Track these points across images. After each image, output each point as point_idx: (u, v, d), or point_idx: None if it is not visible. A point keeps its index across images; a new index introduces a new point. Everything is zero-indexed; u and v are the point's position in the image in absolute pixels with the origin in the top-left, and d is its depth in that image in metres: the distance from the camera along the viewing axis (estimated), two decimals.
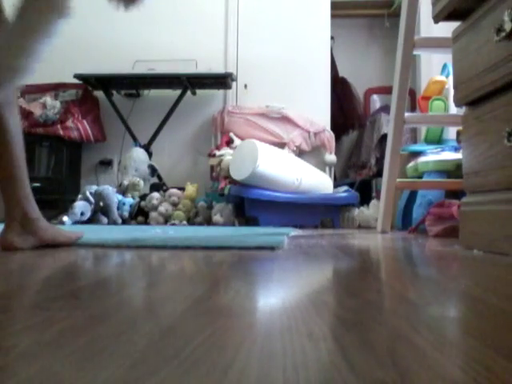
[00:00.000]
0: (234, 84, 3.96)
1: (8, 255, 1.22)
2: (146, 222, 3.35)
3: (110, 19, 4.11)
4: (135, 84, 3.97)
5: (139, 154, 3.67)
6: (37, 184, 3.69)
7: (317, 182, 3.35)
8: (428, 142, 3.08)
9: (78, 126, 3.81)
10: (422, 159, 2.81)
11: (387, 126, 3.25)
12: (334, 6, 4.13)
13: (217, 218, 3.21)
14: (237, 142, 3.61)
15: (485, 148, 1.34)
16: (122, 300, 0.61)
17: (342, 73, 4.67)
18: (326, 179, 3.50)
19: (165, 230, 2.34)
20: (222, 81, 3.83)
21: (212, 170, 3.56)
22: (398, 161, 2.42)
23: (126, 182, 3.51)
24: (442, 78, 3.05)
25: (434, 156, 2.78)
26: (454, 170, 2.59)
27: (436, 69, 3.54)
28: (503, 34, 1.19)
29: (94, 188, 3.33)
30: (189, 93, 3.88)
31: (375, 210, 3.13)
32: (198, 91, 3.96)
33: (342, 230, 2.91)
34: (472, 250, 1.36)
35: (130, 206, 3.38)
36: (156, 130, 3.85)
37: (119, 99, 4.04)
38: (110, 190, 3.29)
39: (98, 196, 3.24)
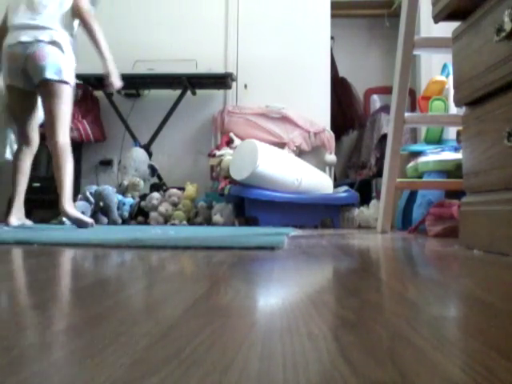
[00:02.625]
0: (234, 84, 3.96)
1: (7, 256, 1.22)
2: (145, 222, 3.35)
3: (110, 19, 4.11)
4: (135, 84, 3.97)
5: (139, 154, 3.67)
6: (37, 184, 3.69)
7: (317, 182, 3.35)
8: (428, 142, 3.08)
9: (78, 126, 3.81)
10: (422, 159, 2.81)
11: (387, 126, 3.25)
12: (334, 6, 4.13)
13: (217, 217, 3.21)
14: (237, 142, 3.61)
15: (485, 148, 1.34)
16: (122, 300, 0.61)
17: (341, 73, 4.67)
18: (326, 179, 3.50)
19: (165, 229, 2.34)
20: (222, 81, 3.83)
21: (212, 170, 3.56)
22: (398, 161, 2.42)
23: (125, 182, 3.51)
24: (442, 78, 3.05)
25: (434, 156, 2.78)
26: (453, 170, 2.59)
27: (436, 69, 3.54)
28: (503, 34, 1.19)
29: (93, 188, 3.33)
30: (189, 93, 3.88)
31: (375, 210, 3.13)
32: (198, 91, 3.96)
33: (342, 230, 2.91)
34: (472, 250, 1.36)
35: (130, 205, 3.38)
36: (156, 130, 3.85)
37: (119, 99, 4.04)
38: (110, 190, 3.29)
39: (98, 196, 3.24)
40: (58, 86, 2.58)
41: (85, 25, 2.61)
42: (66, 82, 2.60)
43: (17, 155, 2.75)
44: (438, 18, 1.56)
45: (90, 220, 2.59)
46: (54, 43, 2.56)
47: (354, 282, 0.81)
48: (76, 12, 2.60)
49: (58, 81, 2.56)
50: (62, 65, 2.57)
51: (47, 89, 2.58)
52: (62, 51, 2.59)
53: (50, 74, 2.52)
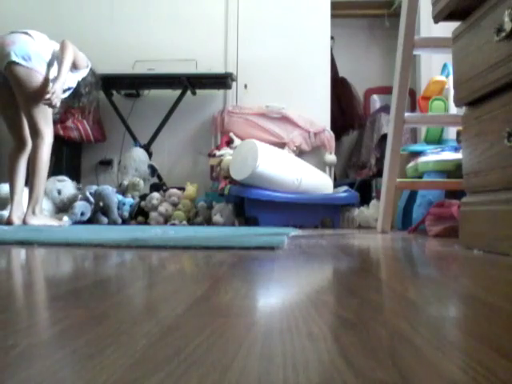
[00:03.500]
0: (234, 84, 3.96)
1: (8, 255, 1.22)
2: (146, 222, 3.35)
3: (110, 19, 4.11)
4: (135, 84, 3.97)
5: (139, 153, 3.68)
6: None
7: (317, 182, 3.35)
8: (428, 141, 3.08)
9: (78, 126, 3.81)
10: (422, 159, 2.81)
11: (387, 126, 3.25)
12: (333, 6, 4.13)
13: (217, 218, 3.21)
14: (237, 142, 3.61)
15: (485, 148, 1.34)
16: (122, 300, 0.61)
17: (341, 73, 4.67)
18: (326, 179, 3.50)
19: (165, 230, 2.34)
20: (222, 81, 3.83)
21: (212, 170, 3.56)
22: (398, 161, 2.42)
23: (125, 182, 3.51)
24: (442, 78, 3.05)
25: (434, 156, 2.78)
26: (454, 170, 2.59)
27: (436, 69, 3.54)
28: (503, 34, 1.19)
29: (94, 188, 3.33)
30: (189, 93, 3.88)
31: (375, 210, 3.13)
32: (198, 91, 3.96)
33: (342, 230, 2.91)
34: (472, 250, 1.36)
35: (130, 205, 3.38)
36: (156, 130, 3.85)
37: (119, 99, 4.04)
38: (109, 190, 3.29)
39: (98, 196, 3.23)
40: (26, 72, 2.51)
41: (61, 53, 2.61)
42: (35, 70, 2.53)
43: (10, 155, 2.78)
44: (437, 18, 1.56)
45: (57, 223, 2.77)
46: (26, 33, 2.58)
47: (354, 282, 0.81)
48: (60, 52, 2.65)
49: (25, 66, 2.50)
50: (31, 51, 2.53)
51: (14, 74, 2.50)
52: (33, 39, 2.58)
53: (15, 57, 2.48)
